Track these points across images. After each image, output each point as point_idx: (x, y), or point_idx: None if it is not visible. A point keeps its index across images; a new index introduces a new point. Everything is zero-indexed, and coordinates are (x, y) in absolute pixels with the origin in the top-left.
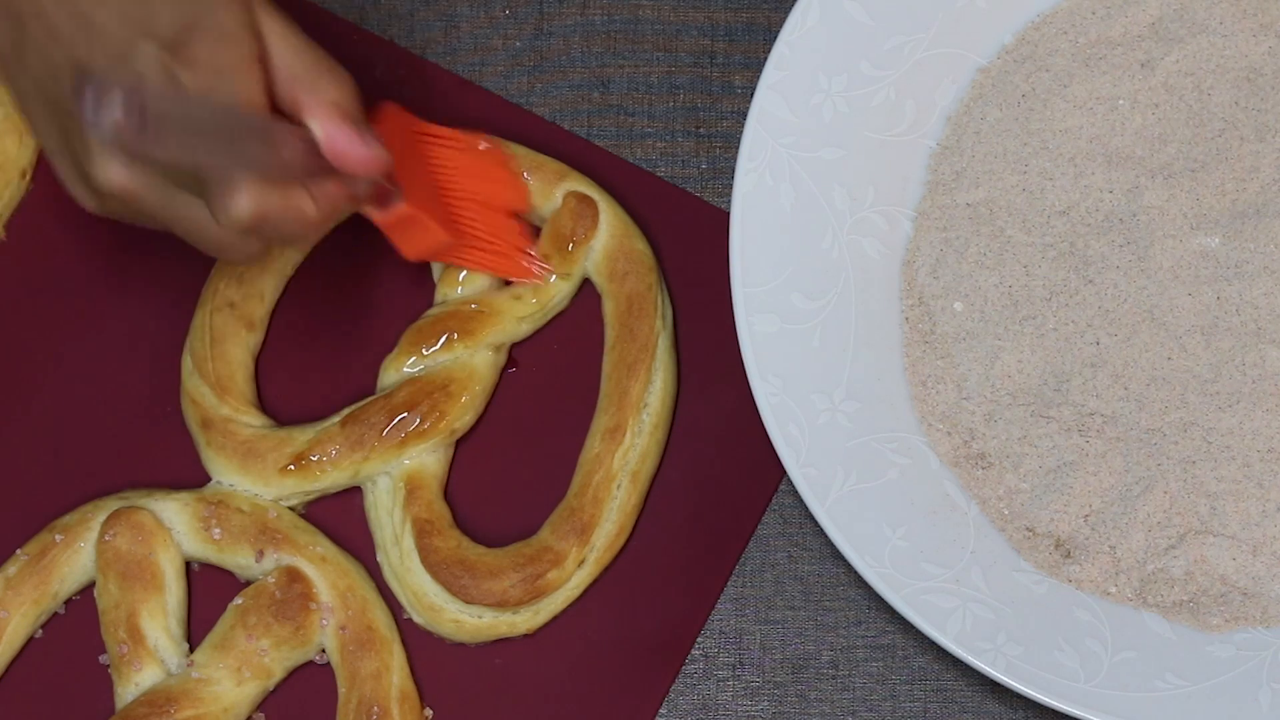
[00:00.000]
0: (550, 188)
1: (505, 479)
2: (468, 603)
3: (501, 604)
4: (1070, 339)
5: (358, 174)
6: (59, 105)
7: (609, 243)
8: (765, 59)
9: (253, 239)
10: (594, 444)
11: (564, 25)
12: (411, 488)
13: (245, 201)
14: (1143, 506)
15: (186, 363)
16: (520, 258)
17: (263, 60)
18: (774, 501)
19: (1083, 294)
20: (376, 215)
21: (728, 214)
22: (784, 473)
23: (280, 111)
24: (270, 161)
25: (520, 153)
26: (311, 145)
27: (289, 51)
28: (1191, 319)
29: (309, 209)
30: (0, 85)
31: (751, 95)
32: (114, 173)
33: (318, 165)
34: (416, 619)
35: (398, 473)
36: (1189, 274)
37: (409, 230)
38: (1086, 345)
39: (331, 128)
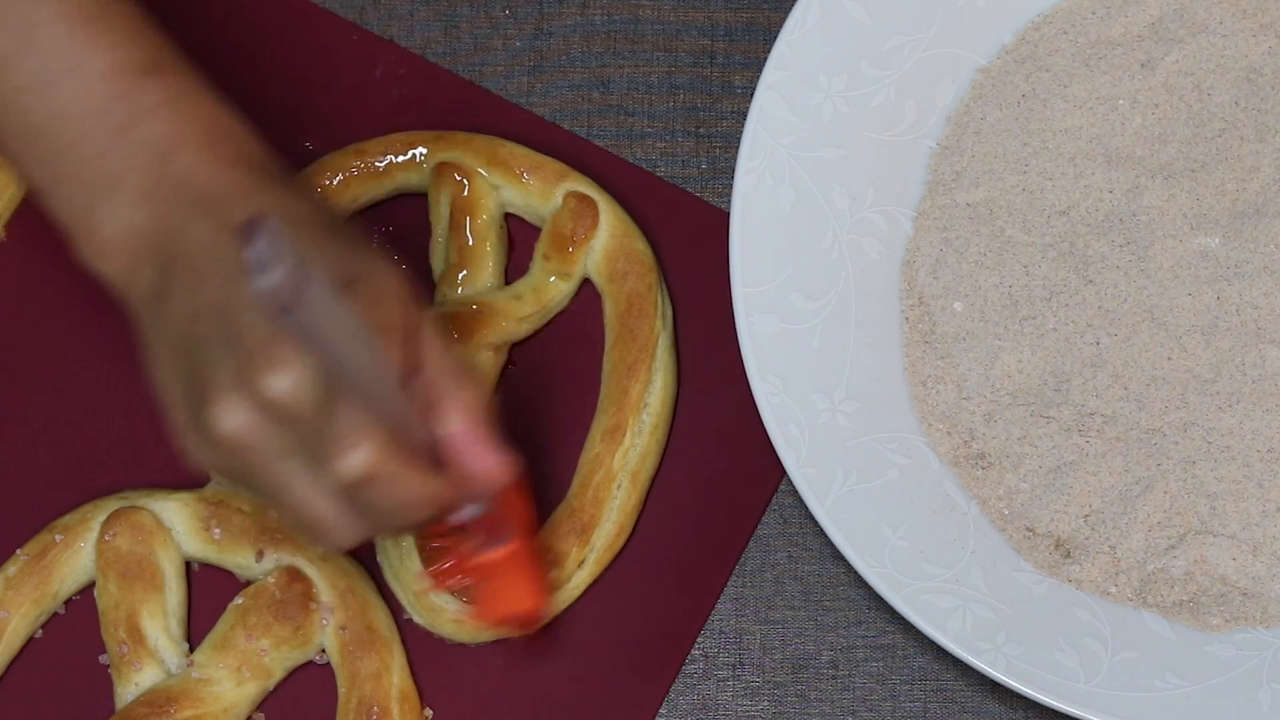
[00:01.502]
0: (550, 188)
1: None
2: (468, 603)
3: None
4: (1070, 339)
5: (478, 475)
6: (192, 350)
7: (609, 243)
8: (765, 59)
9: (350, 520)
10: (594, 444)
11: (564, 25)
12: None
13: (364, 453)
14: (1143, 506)
15: None
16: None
17: (413, 338)
18: (774, 501)
19: (1083, 294)
20: (479, 553)
21: (728, 214)
22: (784, 473)
23: None
24: (396, 416)
25: (520, 153)
26: (431, 437)
27: (436, 346)
28: (1191, 319)
29: (422, 489)
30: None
31: (751, 95)
32: (237, 418)
33: (433, 453)
34: (416, 619)
35: None
36: (1189, 274)
37: (503, 582)
38: (1086, 345)
39: (466, 425)
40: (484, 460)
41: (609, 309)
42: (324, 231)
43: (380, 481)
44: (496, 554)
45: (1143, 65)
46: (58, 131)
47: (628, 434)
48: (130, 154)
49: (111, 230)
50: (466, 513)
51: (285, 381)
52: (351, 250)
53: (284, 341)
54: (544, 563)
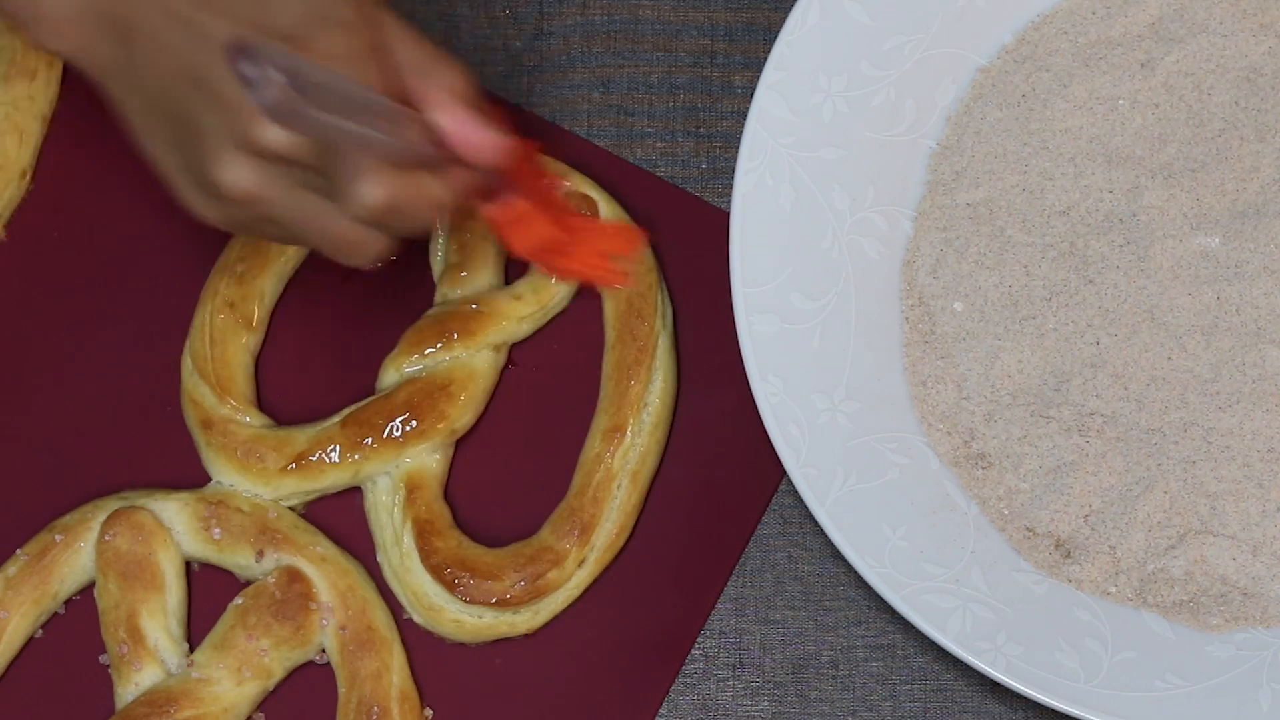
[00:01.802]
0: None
1: (505, 479)
2: (468, 603)
3: (502, 604)
4: (1070, 339)
5: (480, 161)
6: (175, 117)
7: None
8: (765, 59)
9: (378, 234)
10: (594, 444)
11: (564, 25)
12: (411, 488)
13: (376, 189)
14: (1143, 506)
15: (186, 363)
16: (612, 267)
17: (381, 51)
18: (774, 501)
19: (1083, 294)
20: (488, 209)
21: (728, 214)
22: (784, 473)
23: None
24: (401, 143)
25: None
26: (433, 134)
27: (407, 42)
28: (1191, 319)
29: (438, 193)
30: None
31: (751, 95)
32: (242, 174)
33: (440, 154)
34: (417, 619)
35: (398, 473)
36: (1189, 274)
37: (519, 225)
38: (1086, 345)
39: (454, 115)
40: (476, 139)
41: (609, 309)
42: None
43: (398, 204)
44: (510, 206)
45: (1143, 65)
46: None
47: (628, 434)
48: None
49: (57, 8)
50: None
51: (278, 131)
52: None
53: None
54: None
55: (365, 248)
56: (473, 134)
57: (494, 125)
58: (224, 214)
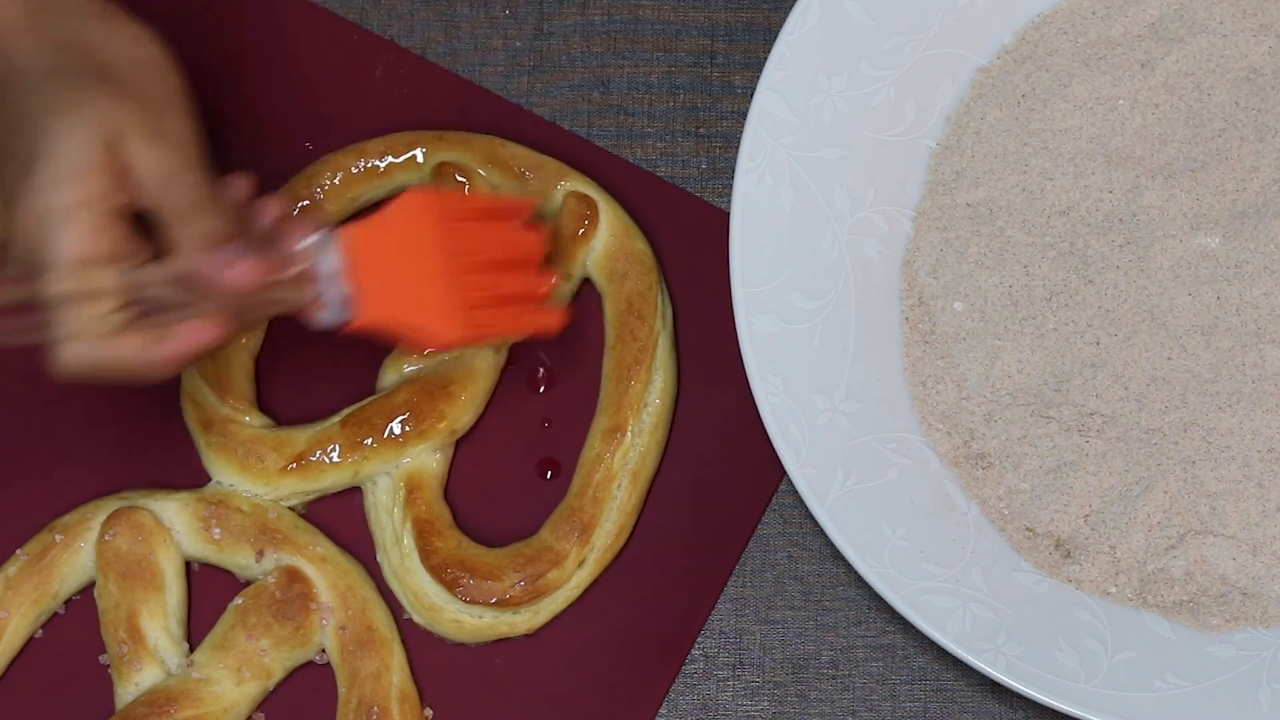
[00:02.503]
0: (550, 188)
1: (505, 479)
2: (468, 603)
3: (502, 604)
4: (1070, 339)
5: (240, 289)
6: None
7: (609, 243)
8: (765, 59)
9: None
10: (594, 444)
11: (564, 25)
12: (411, 488)
13: (69, 356)
14: (1143, 506)
15: None
16: (533, 313)
17: (123, 190)
18: (774, 501)
19: (1083, 294)
20: (327, 324)
21: (728, 214)
22: (784, 473)
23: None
24: (72, 312)
25: (520, 152)
26: (184, 277)
27: (157, 190)
28: (1191, 319)
29: (138, 354)
30: None
31: (751, 95)
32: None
33: (190, 295)
34: (417, 619)
35: (398, 473)
36: (1189, 274)
37: (418, 320)
38: (1086, 345)
39: (188, 263)
40: (228, 277)
41: (609, 309)
42: (29, 89)
43: (99, 372)
44: (356, 320)
45: (1143, 65)
46: None
47: (628, 434)
48: None
49: None
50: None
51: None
52: (43, 117)
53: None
54: (463, 289)
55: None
56: (220, 268)
57: (243, 250)
58: None
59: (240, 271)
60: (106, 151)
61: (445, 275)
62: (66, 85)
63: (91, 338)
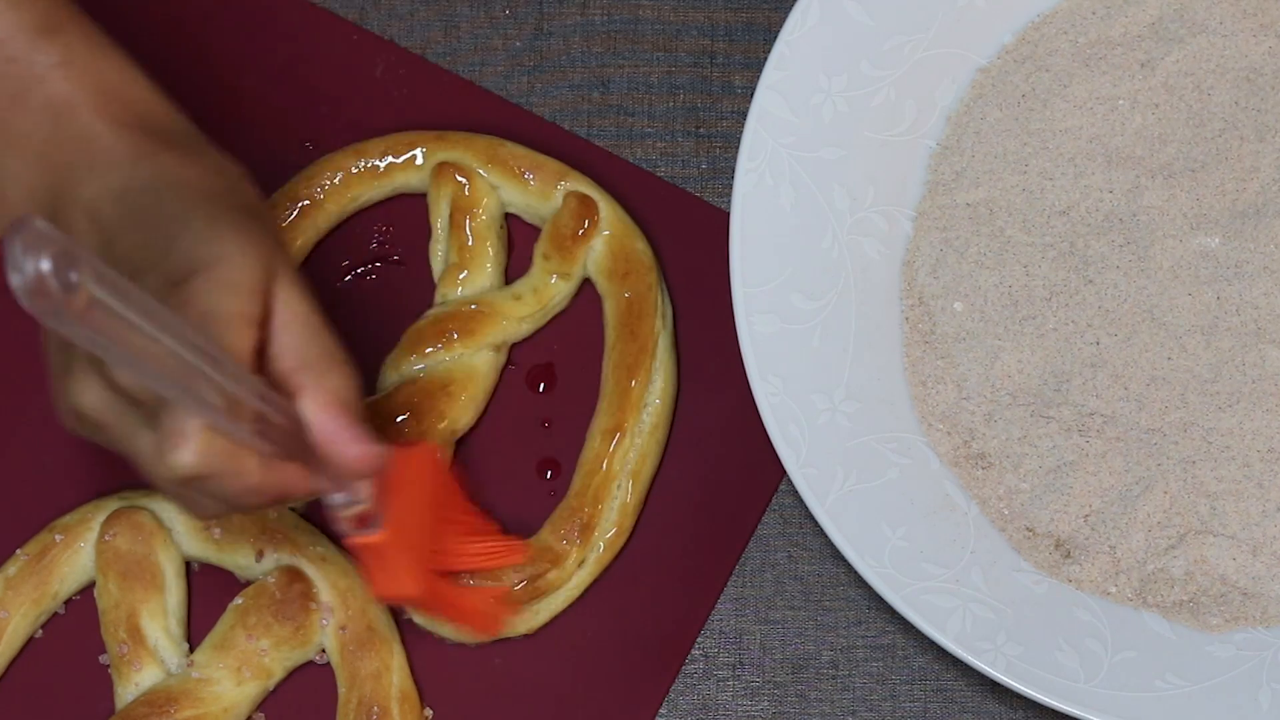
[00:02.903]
0: (550, 187)
1: (505, 479)
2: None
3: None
4: (1070, 339)
5: (345, 465)
6: None
7: (609, 242)
8: (765, 59)
9: (199, 497)
10: (594, 444)
11: (564, 25)
12: None
13: (189, 453)
14: (1143, 506)
15: None
16: (489, 621)
17: (265, 327)
18: (774, 501)
19: (1083, 294)
20: (351, 535)
21: (728, 214)
22: (784, 473)
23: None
24: (218, 409)
25: (520, 152)
26: (295, 423)
27: (302, 333)
28: (1191, 319)
29: (256, 480)
30: None
31: (751, 95)
32: (85, 395)
33: (292, 446)
34: (417, 619)
35: None
36: (1189, 274)
37: (381, 564)
38: (1086, 345)
39: (326, 414)
40: (343, 450)
41: (609, 309)
42: (190, 207)
43: (210, 478)
44: (368, 539)
45: (1143, 65)
46: None
47: (628, 434)
48: (27, 118)
49: (15, 193)
50: (339, 499)
51: (83, 396)
52: (209, 231)
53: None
54: (434, 554)
55: (193, 507)
56: (338, 434)
57: (367, 437)
58: (78, 425)
59: (360, 453)
60: (265, 284)
61: (427, 531)
62: (228, 209)
63: (222, 445)
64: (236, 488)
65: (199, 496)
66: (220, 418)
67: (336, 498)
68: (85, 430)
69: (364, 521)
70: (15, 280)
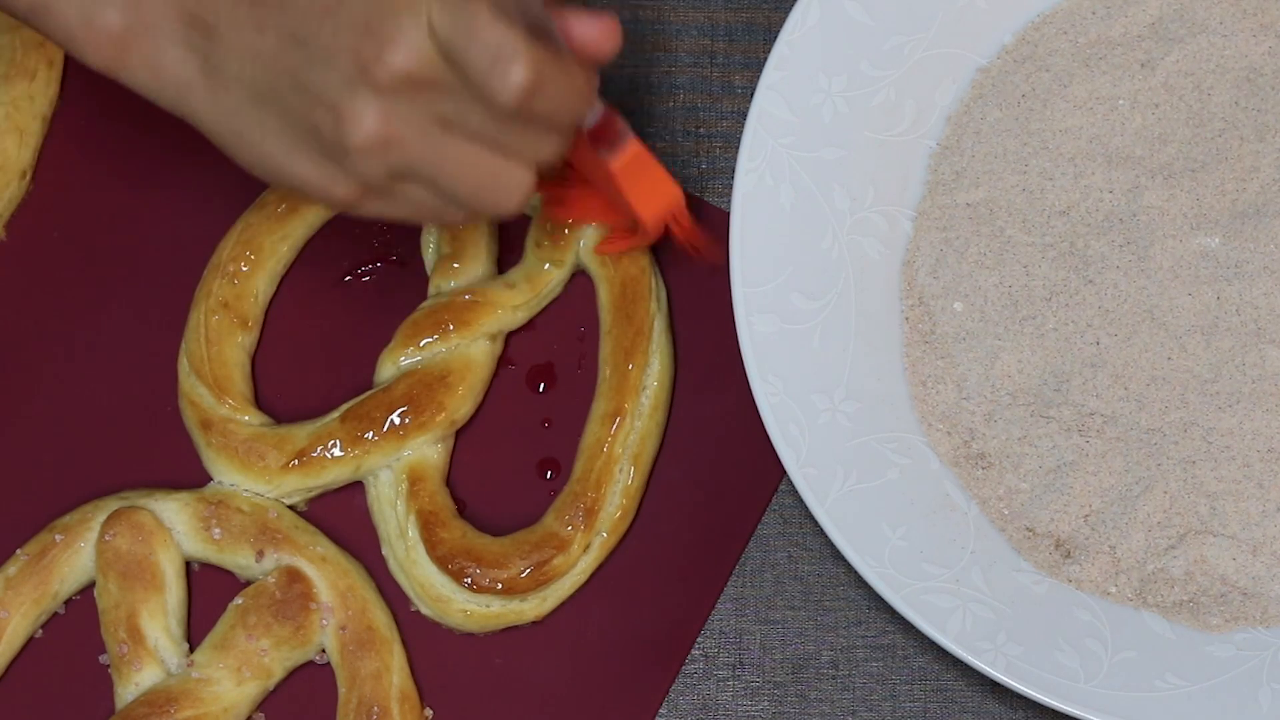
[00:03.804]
0: None
1: (505, 468)
2: (475, 592)
3: (509, 592)
4: (1070, 339)
5: (596, 48)
6: (280, 95)
7: (601, 228)
8: (765, 59)
9: (522, 167)
10: (594, 429)
11: None
12: (414, 480)
13: (523, 63)
14: (1143, 506)
15: (183, 364)
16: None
17: None
18: (774, 501)
19: (1083, 294)
20: (610, 160)
21: (728, 214)
22: (784, 473)
23: None
24: (524, 10)
25: None
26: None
27: None
28: (1191, 319)
29: (579, 75)
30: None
31: (751, 95)
32: (372, 117)
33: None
34: (424, 611)
35: (399, 466)
36: (1189, 274)
37: (641, 179)
38: (1086, 345)
39: (557, 9)
40: (594, 28)
41: (603, 294)
42: None
43: (545, 85)
44: (628, 153)
45: (1143, 65)
46: None
47: (628, 417)
48: None
49: (119, 23)
50: (591, 117)
51: (404, 51)
52: None
53: (386, 16)
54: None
55: (511, 182)
56: (581, 19)
57: (601, 17)
58: (357, 180)
59: (607, 23)
60: None
61: None
62: None
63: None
64: (567, 89)
65: (536, 130)
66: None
67: (591, 114)
68: (363, 173)
69: (613, 136)
70: None
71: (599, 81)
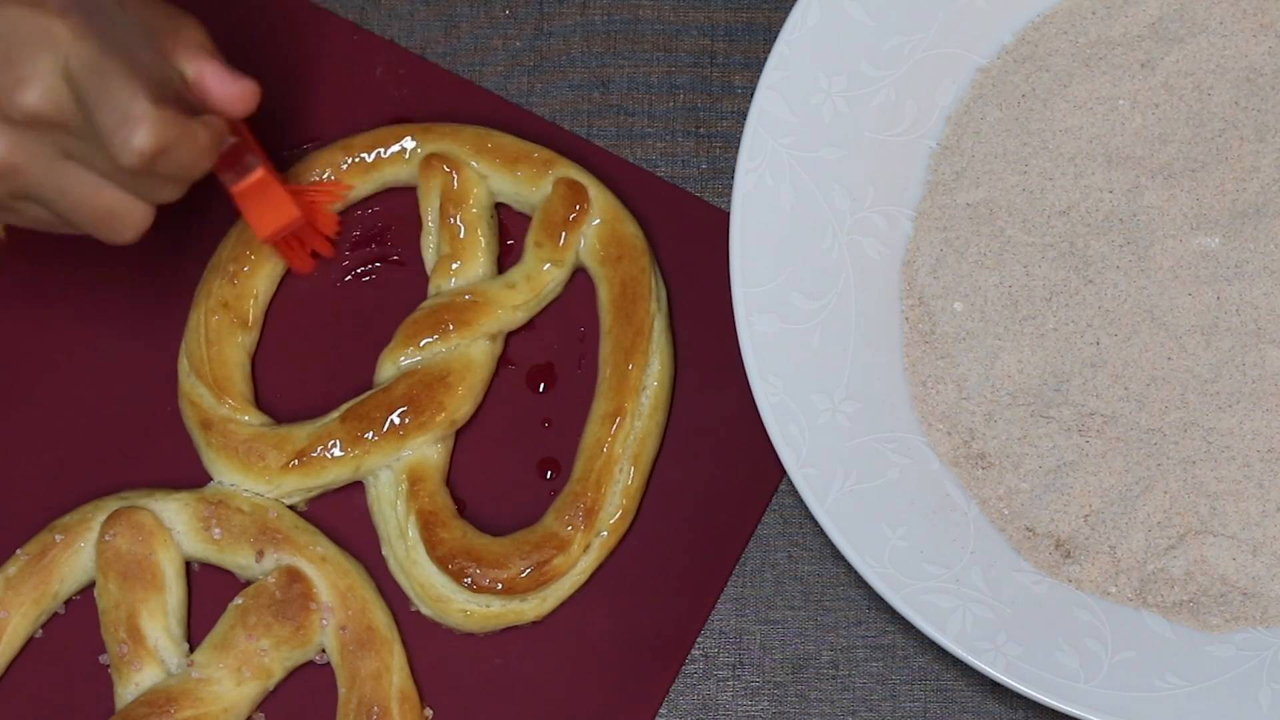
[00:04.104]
0: (539, 175)
1: (505, 468)
2: (475, 592)
3: (509, 592)
4: (1070, 339)
5: (232, 106)
6: None
7: (600, 228)
8: (765, 59)
9: (139, 203)
10: (594, 428)
11: (564, 25)
12: (414, 480)
13: (147, 132)
14: (1143, 506)
15: (183, 364)
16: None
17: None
18: (774, 501)
19: (1083, 294)
20: (232, 182)
21: (728, 214)
22: (784, 473)
23: None
24: (155, 74)
25: (508, 142)
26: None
27: (141, 5)
28: (1191, 319)
29: (204, 137)
30: None
31: (751, 95)
32: (37, 87)
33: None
34: (424, 611)
35: (399, 466)
36: (1189, 274)
37: (262, 201)
38: (1086, 345)
39: (201, 65)
40: (231, 89)
41: (603, 293)
42: None
43: (168, 149)
44: (250, 180)
45: (1143, 65)
46: None
47: (628, 416)
48: None
49: None
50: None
51: (37, 92)
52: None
53: (24, 53)
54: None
55: (128, 217)
56: (219, 80)
57: (238, 73)
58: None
59: (244, 86)
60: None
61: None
62: None
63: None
64: (190, 152)
65: (140, 191)
66: (153, 84)
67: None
68: (30, 139)
69: (241, 165)
70: None
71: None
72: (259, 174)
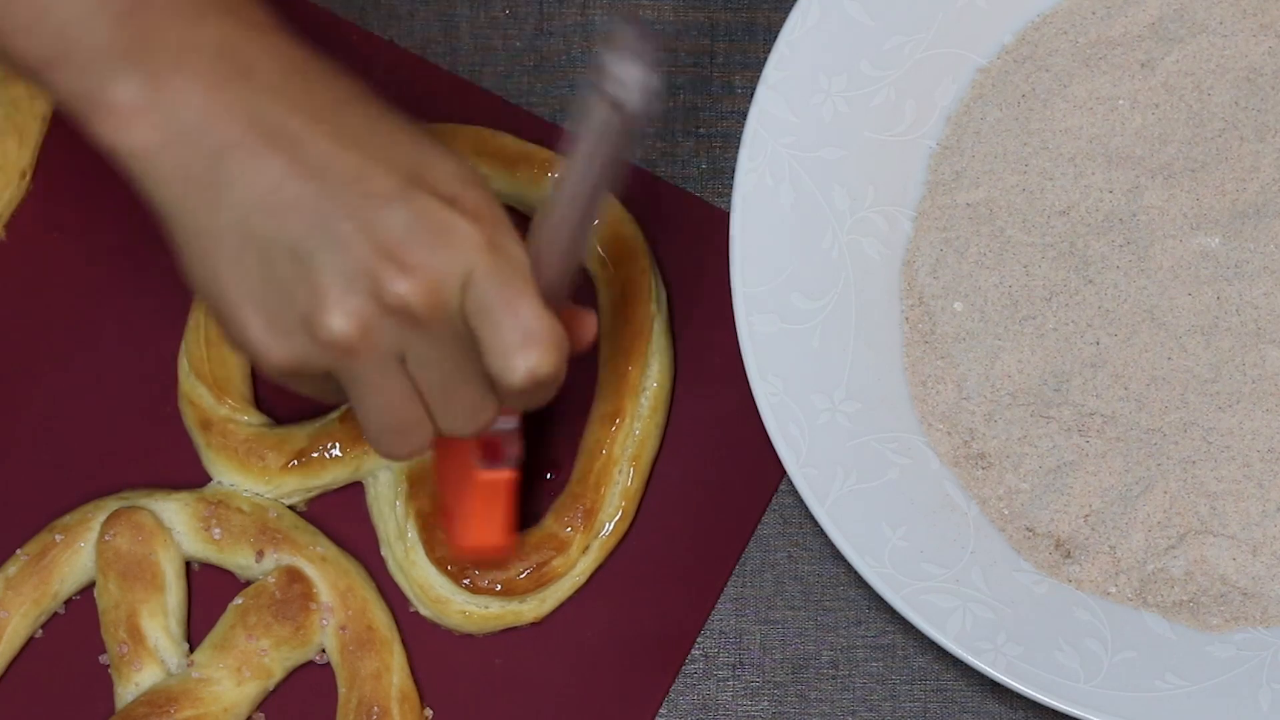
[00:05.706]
0: (539, 176)
1: None
2: (474, 593)
3: (508, 593)
4: (1070, 339)
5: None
6: (266, 249)
7: (600, 230)
8: (765, 59)
9: (429, 423)
10: (593, 430)
11: (564, 25)
12: (413, 481)
13: (553, 360)
14: (1143, 506)
15: (183, 364)
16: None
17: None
18: (774, 501)
19: (1083, 294)
20: (490, 470)
21: (728, 214)
22: (784, 473)
23: None
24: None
25: (508, 143)
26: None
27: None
28: (1191, 319)
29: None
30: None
31: (751, 95)
32: (352, 324)
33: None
34: (423, 612)
35: (398, 466)
36: (1189, 274)
37: (490, 505)
38: (1086, 345)
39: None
40: (591, 324)
41: (602, 295)
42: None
43: (556, 379)
44: (499, 475)
45: (1143, 65)
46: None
47: (627, 418)
48: (147, 19)
49: (130, 97)
50: (506, 424)
51: (426, 288)
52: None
53: (428, 245)
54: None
55: (415, 438)
56: (589, 320)
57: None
58: (298, 360)
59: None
60: None
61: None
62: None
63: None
64: (554, 389)
65: (432, 418)
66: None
67: (503, 422)
68: (303, 355)
69: (500, 455)
70: (623, 88)
71: None
72: (509, 474)
